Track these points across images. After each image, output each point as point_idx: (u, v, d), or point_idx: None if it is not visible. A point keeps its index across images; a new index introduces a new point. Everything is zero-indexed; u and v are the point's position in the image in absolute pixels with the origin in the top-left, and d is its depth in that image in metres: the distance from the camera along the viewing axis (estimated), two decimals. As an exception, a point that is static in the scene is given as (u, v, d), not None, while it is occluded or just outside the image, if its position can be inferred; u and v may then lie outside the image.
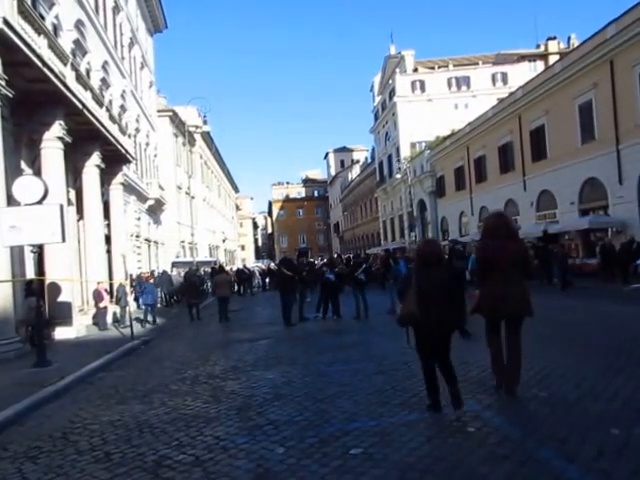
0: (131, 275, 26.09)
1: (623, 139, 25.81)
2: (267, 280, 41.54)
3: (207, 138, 62.49)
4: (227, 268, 35.32)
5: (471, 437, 5.47)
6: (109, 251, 24.46)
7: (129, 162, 27.28)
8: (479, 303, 7.17)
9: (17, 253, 15.15)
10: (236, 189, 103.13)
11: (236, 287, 35.16)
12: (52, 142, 17.12)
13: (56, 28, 20.51)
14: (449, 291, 6.27)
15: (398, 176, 61.70)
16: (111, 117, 22.99)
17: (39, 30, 14.77)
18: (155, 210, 40.54)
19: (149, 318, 20.32)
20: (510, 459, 4.83)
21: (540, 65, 56.64)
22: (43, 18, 16.34)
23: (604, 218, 27.42)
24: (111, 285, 22.21)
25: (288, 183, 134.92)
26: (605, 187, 27.52)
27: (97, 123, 19.89)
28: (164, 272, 31.53)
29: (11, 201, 12.82)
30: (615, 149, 26.29)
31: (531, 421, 5.79)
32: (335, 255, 23.80)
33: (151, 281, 24.41)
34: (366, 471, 4.84)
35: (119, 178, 26.01)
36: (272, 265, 49.46)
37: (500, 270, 6.85)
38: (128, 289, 21.18)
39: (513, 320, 6.95)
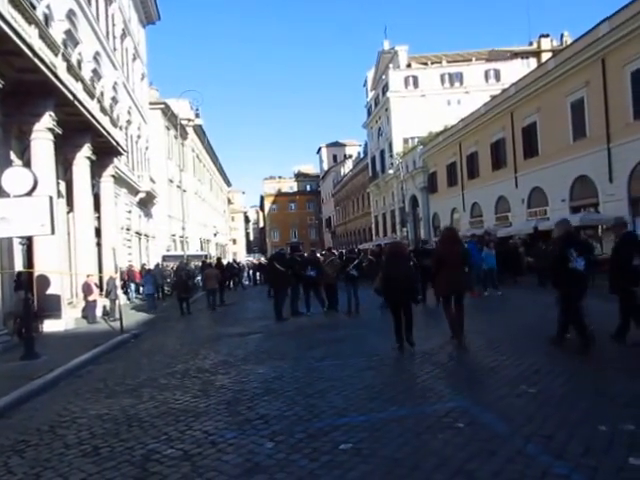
0: (121, 268, 26.07)
1: (614, 137, 25.91)
2: (258, 274, 41.56)
3: (199, 131, 62.32)
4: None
5: (460, 433, 5.47)
6: (99, 244, 24.37)
7: (120, 154, 27.16)
8: (437, 285, 10.81)
9: (6, 245, 15.07)
10: (228, 183, 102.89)
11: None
12: (42, 133, 17.01)
13: (47, 18, 20.35)
14: (407, 276, 10.36)
15: (390, 171, 61.76)
16: (102, 109, 22.86)
17: (30, 20, 14.64)
18: (146, 203, 40.40)
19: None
20: (498, 455, 4.84)
21: (533, 62, 56.81)
22: (34, 7, 16.23)
23: (595, 215, 27.48)
24: (101, 278, 22.14)
25: (280, 177, 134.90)
26: (596, 185, 27.62)
27: (88, 115, 19.77)
28: (157, 265, 31.64)
29: (0, 192, 12.74)
30: (606, 147, 26.38)
31: (519, 417, 5.79)
32: (324, 251, 23.76)
33: (151, 273, 25.36)
34: (355, 466, 4.84)
35: (110, 170, 25.89)
36: (262, 259, 49.45)
37: (449, 264, 10.30)
38: (118, 282, 21.13)
39: (458, 295, 10.49)
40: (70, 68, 18.28)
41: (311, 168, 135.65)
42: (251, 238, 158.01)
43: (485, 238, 24.84)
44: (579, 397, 6.37)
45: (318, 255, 20.40)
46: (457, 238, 11.57)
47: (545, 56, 52.16)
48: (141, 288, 28.00)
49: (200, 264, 35.66)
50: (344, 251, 29.38)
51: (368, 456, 5.06)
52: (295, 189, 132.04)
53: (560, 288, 9.22)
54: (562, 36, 61.03)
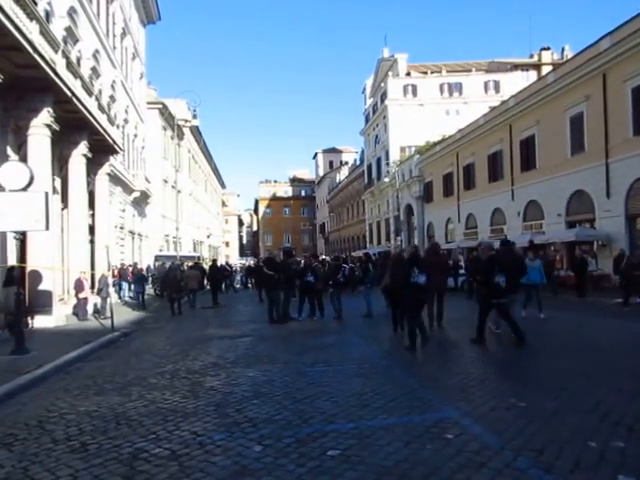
0: (114, 266, 26.04)
1: (612, 153, 25.96)
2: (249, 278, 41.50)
3: (196, 132, 62.27)
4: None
5: (449, 444, 5.46)
6: (92, 241, 24.33)
7: (116, 153, 27.11)
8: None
9: (-1, 239, 15.04)
10: (223, 185, 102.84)
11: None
12: (39, 129, 16.98)
13: (48, 14, 20.34)
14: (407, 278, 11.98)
15: (386, 179, 61.77)
16: (100, 107, 22.83)
17: (31, 15, 14.62)
18: (140, 202, 40.33)
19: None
20: (487, 467, 4.83)
21: (533, 75, 56.99)
22: (36, 3, 16.19)
23: (590, 231, 27.55)
24: (93, 276, 22.07)
25: (276, 181, 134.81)
26: (592, 200, 27.66)
27: (86, 112, 19.74)
28: (162, 264, 31.79)
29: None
30: (604, 162, 26.43)
31: (509, 430, 5.78)
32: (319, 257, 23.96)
33: (143, 272, 26.78)
34: (342, 473, 4.82)
35: (105, 168, 25.85)
36: (251, 262, 49.44)
37: (433, 270, 12.38)
38: (110, 280, 21.06)
39: (438, 294, 14.22)
40: (69, 65, 18.27)
41: (307, 173, 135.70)
42: (244, 241, 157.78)
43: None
44: (569, 413, 6.36)
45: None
46: (439, 251, 16.31)
47: (545, 69, 52.39)
48: (132, 286, 28.01)
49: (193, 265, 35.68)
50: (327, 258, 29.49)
51: (356, 463, 5.04)
52: (290, 194, 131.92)
53: (405, 298, 11.83)
54: (563, 50, 61.29)
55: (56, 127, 17.62)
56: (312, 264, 18.64)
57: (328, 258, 28.42)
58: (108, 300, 19.33)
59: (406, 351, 10.90)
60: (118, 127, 29.32)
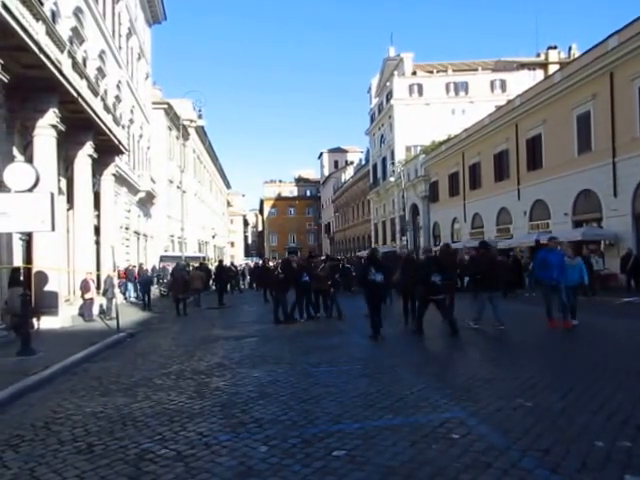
0: (118, 267, 26.11)
1: (620, 151, 25.86)
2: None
3: (201, 132, 62.23)
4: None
5: (455, 444, 5.43)
6: (98, 242, 24.37)
7: (122, 153, 27.18)
8: None
9: (5, 240, 15.05)
10: (228, 185, 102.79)
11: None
12: (45, 129, 17.04)
13: (54, 14, 20.40)
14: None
15: (392, 179, 61.70)
16: (106, 107, 22.88)
17: (37, 16, 14.67)
18: (145, 203, 40.40)
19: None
20: (494, 467, 4.80)
21: (540, 74, 56.68)
22: (42, 4, 16.23)
23: (597, 230, 27.44)
24: (98, 276, 22.11)
25: (281, 181, 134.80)
26: (599, 199, 27.57)
27: (91, 112, 19.79)
28: (177, 265, 32.03)
29: (1, 187, 12.73)
30: (611, 161, 26.33)
31: (515, 430, 5.74)
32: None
33: (149, 273, 27.91)
34: (348, 473, 4.80)
35: (111, 169, 25.91)
36: (252, 263, 49.56)
37: (445, 270, 13.17)
38: (115, 281, 21.12)
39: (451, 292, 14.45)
40: (75, 65, 18.32)
41: (312, 173, 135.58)
42: (249, 241, 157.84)
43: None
44: (576, 413, 6.32)
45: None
46: (452, 252, 17.47)
47: (552, 68, 52.23)
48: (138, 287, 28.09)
49: (198, 265, 35.71)
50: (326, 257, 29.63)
51: (362, 463, 5.02)
52: (295, 194, 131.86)
53: (364, 294, 13.22)
54: (570, 48, 60.99)
55: (62, 127, 17.67)
56: (321, 265, 18.84)
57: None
58: (114, 301, 19.35)
59: (371, 339, 12.54)
60: (123, 127, 29.39)
